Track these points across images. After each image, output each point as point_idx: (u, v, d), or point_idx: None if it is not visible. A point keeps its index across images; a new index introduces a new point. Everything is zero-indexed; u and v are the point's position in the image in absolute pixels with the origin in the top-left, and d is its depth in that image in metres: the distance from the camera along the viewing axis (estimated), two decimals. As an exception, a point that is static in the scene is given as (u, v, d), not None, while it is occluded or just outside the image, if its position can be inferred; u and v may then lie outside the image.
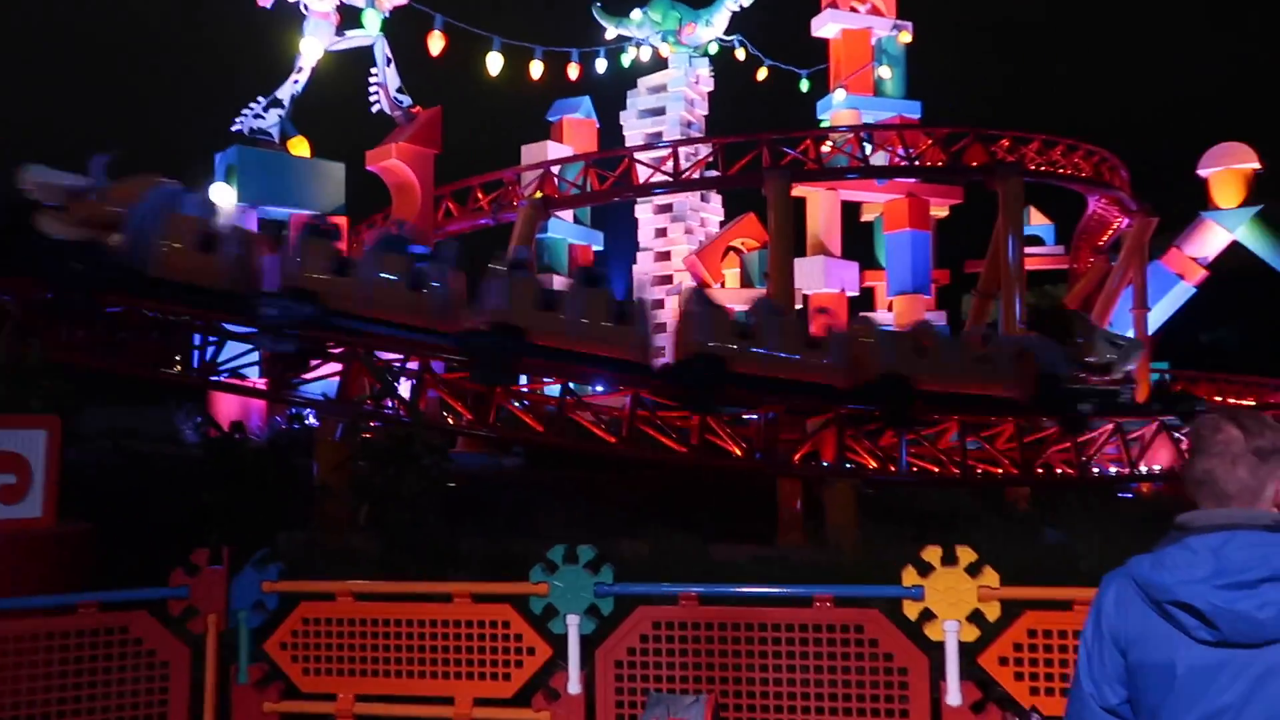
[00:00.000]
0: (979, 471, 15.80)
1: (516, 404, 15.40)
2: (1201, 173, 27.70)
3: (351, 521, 12.66)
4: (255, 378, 16.85)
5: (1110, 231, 30.49)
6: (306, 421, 16.22)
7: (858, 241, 30.92)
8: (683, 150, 22.58)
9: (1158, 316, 27.68)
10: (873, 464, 15.33)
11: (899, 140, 21.73)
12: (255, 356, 15.44)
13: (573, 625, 5.03)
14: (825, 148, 21.76)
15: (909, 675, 4.71)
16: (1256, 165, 27.09)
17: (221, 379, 14.82)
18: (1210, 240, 27.53)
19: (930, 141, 21.82)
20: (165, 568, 5.61)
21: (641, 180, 22.12)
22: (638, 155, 22.51)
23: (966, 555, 4.70)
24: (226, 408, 17.63)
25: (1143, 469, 16.44)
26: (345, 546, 11.95)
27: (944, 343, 16.17)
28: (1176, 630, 2.17)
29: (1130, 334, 27.70)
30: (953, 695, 4.64)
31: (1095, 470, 16.30)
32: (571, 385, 14.92)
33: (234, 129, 20.35)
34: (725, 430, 15.17)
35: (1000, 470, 15.84)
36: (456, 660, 5.15)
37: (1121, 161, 25.69)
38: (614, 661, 4.99)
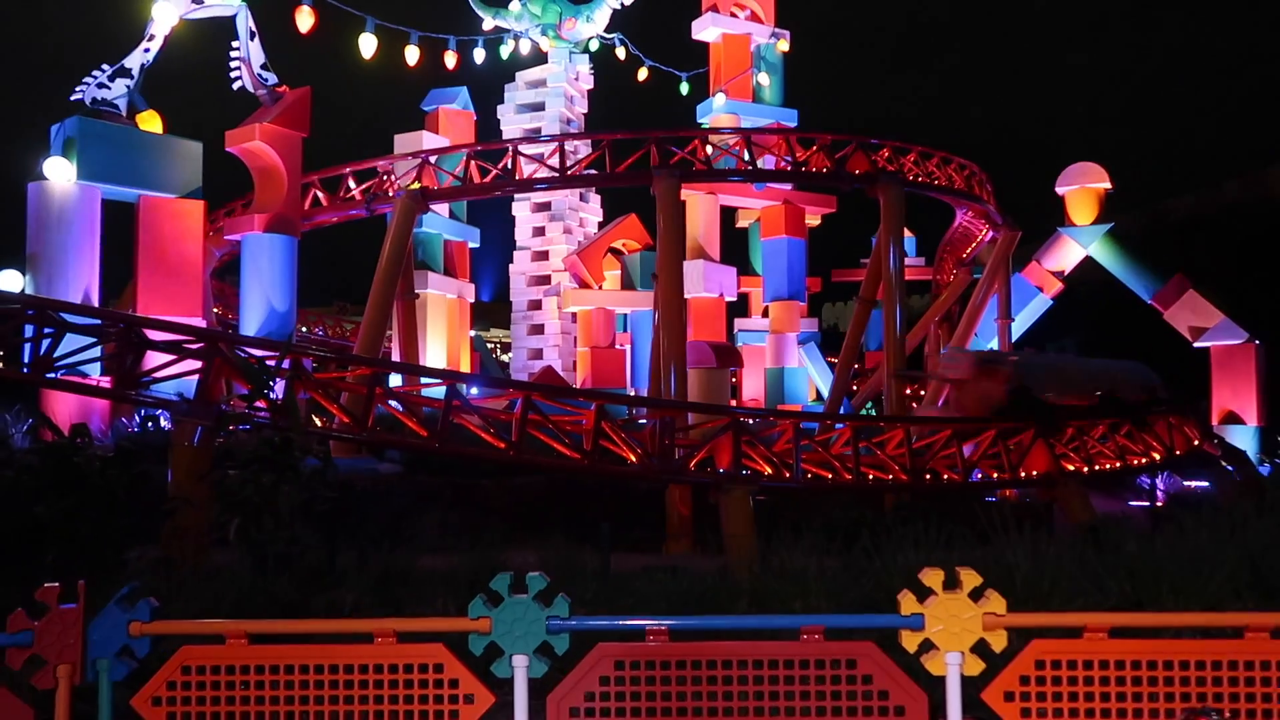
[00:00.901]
0: (870, 478, 15.76)
1: (396, 405, 14.34)
2: (1059, 190, 29.00)
3: (211, 536, 11.38)
4: (98, 375, 15.14)
5: (974, 245, 31.61)
6: (160, 425, 14.64)
7: (732, 248, 31.04)
8: (566, 146, 21.87)
9: (1019, 327, 28.84)
10: (768, 470, 15.04)
11: (785, 145, 21.70)
12: (98, 351, 13.82)
13: (520, 667, 4.30)
14: (710, 150, 21.48)
15: (906, 715, 4.20)
16: (1108, 185, 28.57)
17: (59, 376, 13.17)
18: (1067, 255, 28.86)
19: (815, 148, 21.87)
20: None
21: (525, 174, 21.25)
22: (522, 148, 21.63)
23: (971, 579, 4.23)
24: (64, 409, 15.78)
25: (1021, 474, 16.81)
26: (207, 565, 10.69)
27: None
28: None
29: (995, 344, 28.78)
30: (955, 736, 4.16)
31: (979, 476, 16.55)
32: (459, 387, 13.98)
33: (74, 98, 18.35)
34: (620, 436, 14.56)
35: (890, 476, 15.84)
36: (379, 714, 4.32)
37: (988, 176, 26.61)
38: (569, 709, 4.29)
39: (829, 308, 58.35)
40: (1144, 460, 18.72)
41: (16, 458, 10.43)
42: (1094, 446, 18.05)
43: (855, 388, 32.65)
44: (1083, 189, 28.52)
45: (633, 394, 23.99)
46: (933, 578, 4.25)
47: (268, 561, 8.98)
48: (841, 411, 23.70)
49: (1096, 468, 17.83)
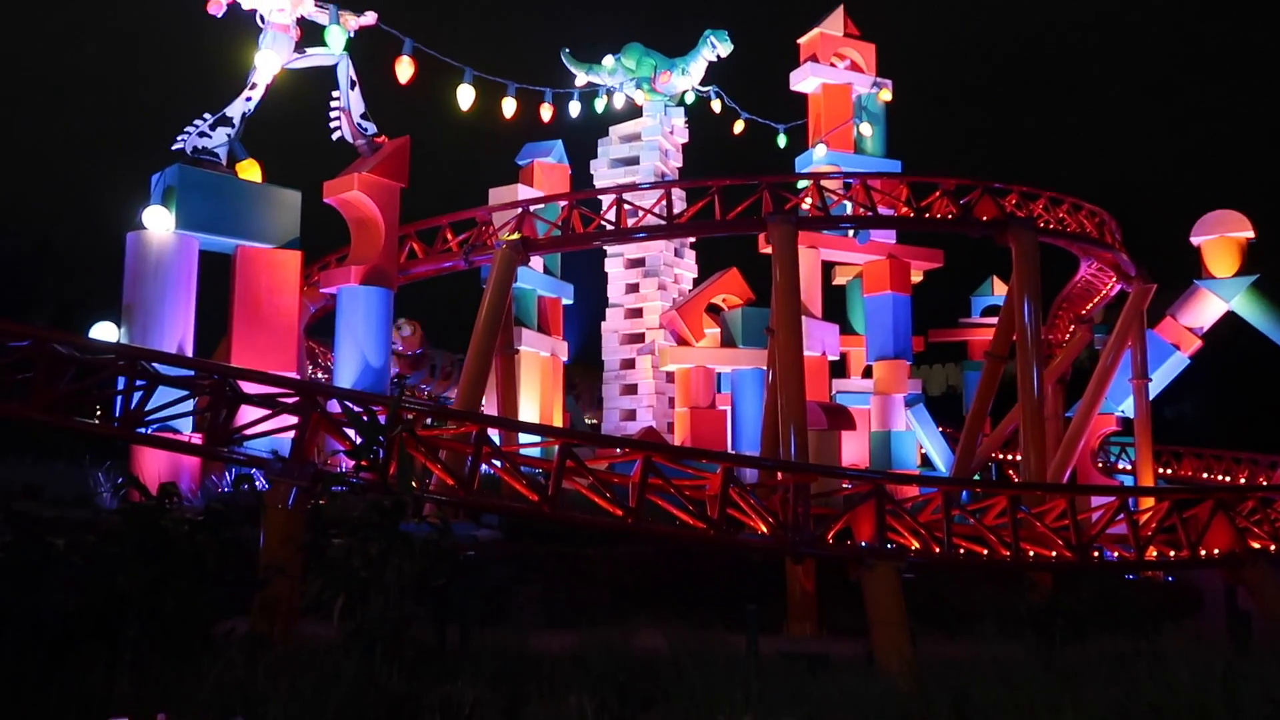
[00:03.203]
0: (1031, 554, 13.89)
1: (498, 464, 13.09)
2: (1195, 240, 26.89)
3: (306, 607, 10.18)
4: (189, 431, 14.27)
5: (1096, 300, 29.52)
6: (252, 485, 13.61)
7: (827, 305, 29.56)
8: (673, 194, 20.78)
9: (1155, 387, 26.53)
10: (915, 544, 13.32)
11: (906, 190, 20.26)
12: (190, 405, 12.92)
13: None
14: (829, 195, 20.14)
15: None
16: (1251, 234, 26.38)
17: (149, 431, 12.27)
18: (1206, 310, 26.61)
19: (938, 193, 20.37)
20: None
21: (630, 223, 20.18)
22: (626, 196, 20.60)
23: None
24: (154, 467, 14.91)
25: (1201, 553, 14.71)
26: (302, 642, 9.44)
27: None
28: None
29: (1129, 405, 26.51)
30: None
31: (1154, 553, 14.54)
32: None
33: (175, 147, 17.91)
34: (748, 502, 13.03)
35: (1053, 552, 13.95)
36: None
37: (1119, 224, 24.71)
38: None
39: (925, 369, 56.15)
40: (1336, 537, 16.41)
41: (101, 520, 9.40)
42: (1278, 520, 15.85)
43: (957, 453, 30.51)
44: (1222, 238, 26.37)
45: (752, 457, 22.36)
46: None
47: (375, 646, 7.65)
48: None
49: (1285, 545, 15.60)
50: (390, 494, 8.97)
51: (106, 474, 16.28)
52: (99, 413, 14.08)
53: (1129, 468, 32.15)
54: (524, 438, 18.84)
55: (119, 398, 12.19)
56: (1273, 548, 15.23)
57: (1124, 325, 25.08)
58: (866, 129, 29.02)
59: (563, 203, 21.29)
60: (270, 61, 18.87)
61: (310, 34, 19.73)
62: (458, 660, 8.83)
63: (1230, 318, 26.99)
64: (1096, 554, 14.27)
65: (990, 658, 8.65)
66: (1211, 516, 14.75)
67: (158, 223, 16.91)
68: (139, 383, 12.05)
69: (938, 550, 13.26)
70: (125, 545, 8.88)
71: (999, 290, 35.94)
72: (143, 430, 12.18)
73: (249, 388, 12.57)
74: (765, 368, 21.24)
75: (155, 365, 12.27)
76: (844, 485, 15.90)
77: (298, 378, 17.45)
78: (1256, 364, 36.58)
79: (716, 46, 30.47)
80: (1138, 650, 7.89)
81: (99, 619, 8.38)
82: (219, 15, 18.43)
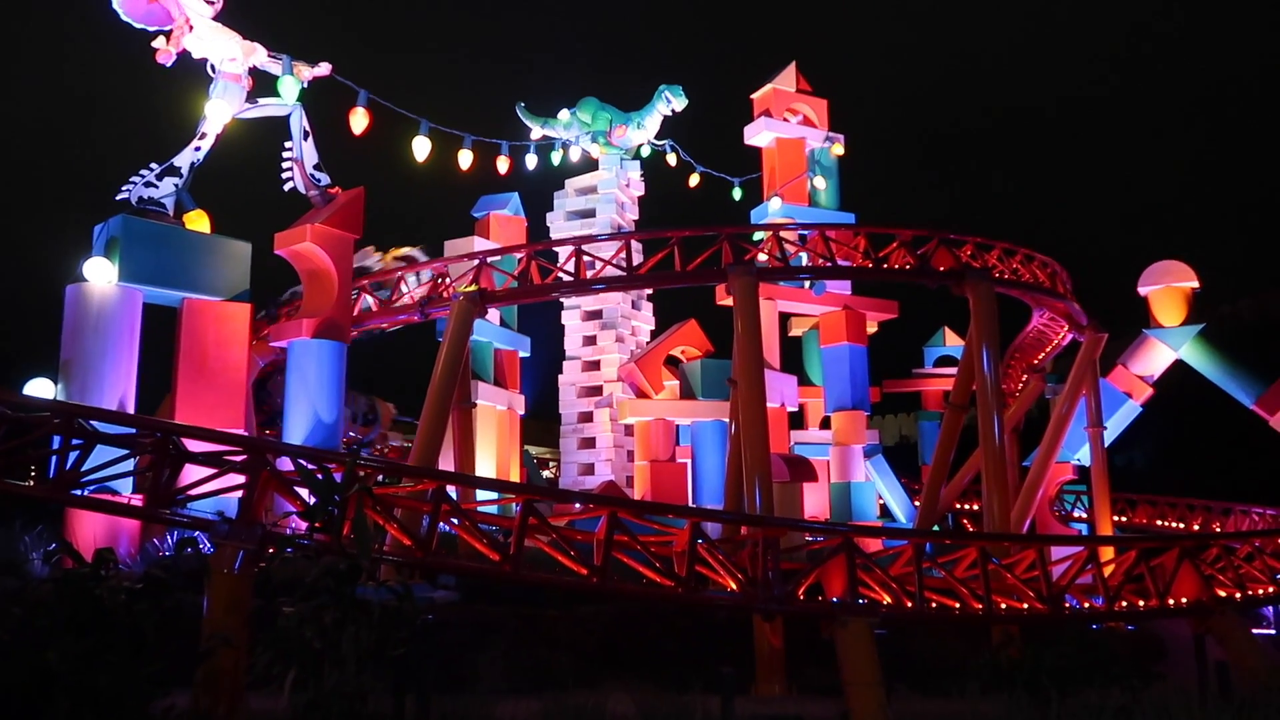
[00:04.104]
0: (1003, 607, 13.66)
1: (457, 523, 12.57)
2: (1142, 290, 27.44)
3: (254, 680, 9.53)
4: (129, 492, 13.56)
5: (1048, 349, 29.89)
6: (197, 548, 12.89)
7: (785, 357, 29.54)
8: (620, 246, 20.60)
9: (1109, 435, 26.79)
10: (886, 598, 13.02)
11: (865, 241, 20.34)
12: (130, 465, 12.27)
13: None
14: (788, 246, 20.14)
15: None
16: (1195, 284, 26.98)
17: (85, 493, 11.59)
18: (1155, 358, 27.06)
19: (895, 244, 20.49)
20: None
21: (590, 275, 19.95)
22: (585, 247, 20.40)
23: None
24: (91, 530, 14.11)
25: (1170, 602, 14.61)
26: (247, 717, 8.82)
27: None
28: None
29: (1085, 453, 26.67)
30: None
31: (1124, 603, 14.39)
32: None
33: (120, 197, 17.35)
34: (716, 558, 12.65)
35: (1025, 604, 13.74)
36: None
37: (1069, 275, 25.09)
38: None
39: (879, 420, 56.45)
40: (1300, 584, 16.45)
41: (30, 590, 8.72)
42: (1242, 567, 15.86)
43: (915, 504, 30.48)
44: (1168, 288, 26.93)
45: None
46: None
47: (328, 722, 7.10)
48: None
49: (1250, 593, 15.59)
50: (345, 557, 8.44)
51: (38, 539, 15.39)
52: (34, 473, 13.32)
53: (1084, 516, 32.39)
54: (482, 494, 18.30)
55: (54, 458, 11.52)
56: (1238, 596, 15.20)
57: (1078, 374, 25.35)
58: (820, 182, 29.38)
59: (520, 254, 21.03)
60: (221, 111, 18.48)
61: (263, 84, 19.42)
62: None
63: (1178, 366, 27.48)
64: (1068, 605, 14.09)
65: (976, 716, 8.34)
66: (1178, 565, 14.69)
67: (99, 274, 16.29)
68: (75, 441, 11.41)
69: (910, 604, 12.97)
70: (55, 617, 8.23)
71: (951, 340, 36.35)
72: (78, 492, 11.50)
73: (194, 445, 11.96)
74: (727, 419, 21.00)
75: (93, 423, 11.64)
76: (806, 539, 15.62)
77: (246, 434, 16.79)
78: (1202, 411, 37.32)
79: (671, 101, 30.73)
80: (1130, 705, 7.62)
81: (25, 698, 7.71)
82: (168, 65, 18.05)
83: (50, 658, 7.81)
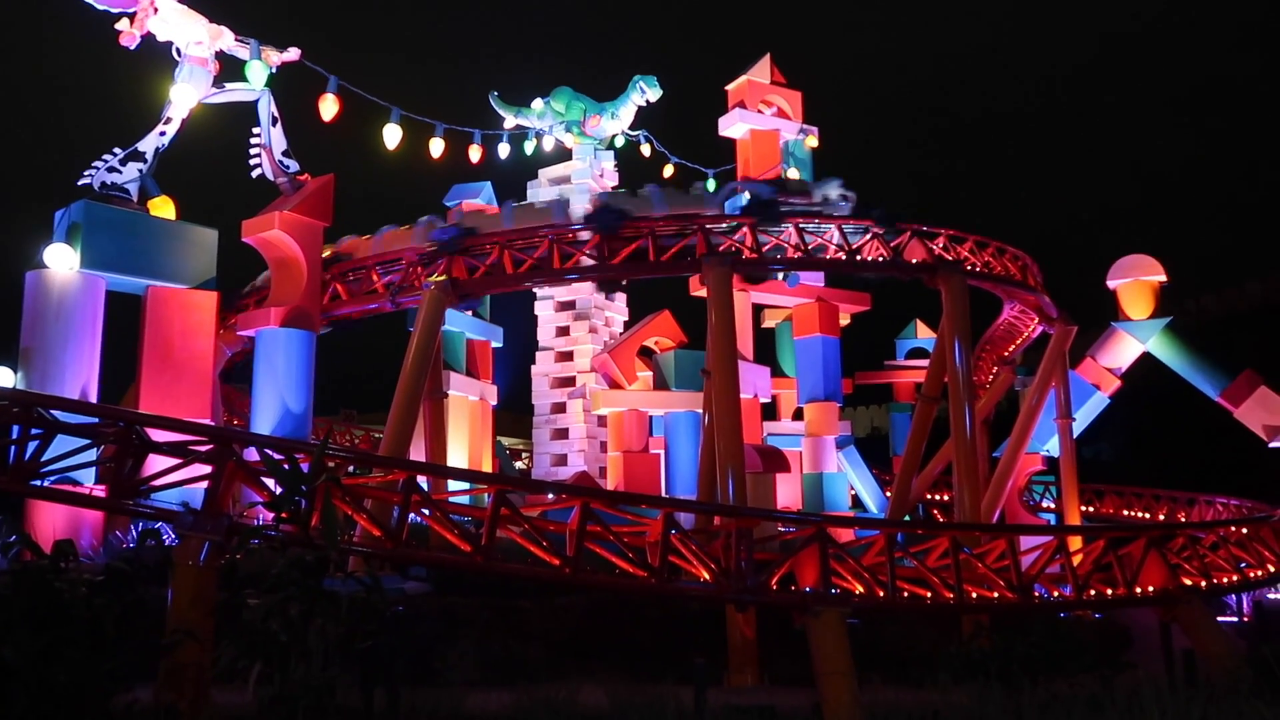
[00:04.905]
0: (974, 595, 13.72)
1: (429, 513, 12.43)
2: (1110, 284, 27.68)
3: (219, 674, 9.36)
4: (91, 483, 13.28)
5: (1018, 341, 30.09)
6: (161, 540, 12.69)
7: (758, 348, 29.58)
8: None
9: (1077, 427, 27.04)
10: (859, 588, 13.03)
11: (839, 233, 20.33)
12: (92, 455, 12.00)
13: None
14: (763, 237, 20.09)
15: None
16: (1163, 277, 27.27)
17: (44, 484, 11.32)
18: (1123, 351, 27.33)
19: (868, 236, 20.50)
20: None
21: (563, 264, 19.81)
22: (559, 237, 20.23)
23: None
24: (52, 522, 13.82)
25: (1137, 591, 14.74)
26: (216, 716, 8.65)
27: None
28: None
29: (1054, 444, 26.92)
30: None
31: (1092, 592, 14.50)
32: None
33: (82, 182, 17.00)
34: (690, 549, 12.59)
35: (995, 593, 13.81)
36: None
37: (1040, 268, 25.27)
38: None
39: (850, 411, 56.74)
40: (1261, 573, 16.68)
41: (-14, 582, 8.49)
42: (1208, 556, 16.04)
43: (887, 494, 30.65)
44: (1136, 282, 27.19)
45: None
46: None
47: (296, 717, 6.97)
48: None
49: (1215, 581, 15.78)
50: (313, 548, 8.29)
51: (-3, 531, 15.06)
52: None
53: (1053, 506, 32.72)
54: (454, 485, 18.14)
55: (11, 448, 11.24)
56: (1204, 584, 15.37)
57: (1048, 366, 25.56)
58: (794, 174, 29.31)
59: (492, 243, 20.81)
60: (187, 96, 18.14)
61: (231, 69, 19.09)
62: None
63: (1145, 358, 27.78)
64: (1037, 594, 14.17)
65: (947, 706, 8.36)
66: (1145, 554, 14.82)
67: (60, 261, 15.94)
68: (35, 431, 11.14)
69: (882, 594, 12.97)
70: (13, 611, 8.03)
71: (923, 333, 36.53)
72: (38, 483, 11.23)
73: (158, 435, 11.74)
74: (700, 410, 20.95)
75: (53, 412, 11.38)
76: (779, 529, 15.62)
77: (212, 424, 16.53)
78: (1169, 402, 37.80)
79: (646, 92, 30.50)
80: (1102, 694, 7.66)
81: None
82: (133, 48, 17.68)
83: (6, 653, 7.62)
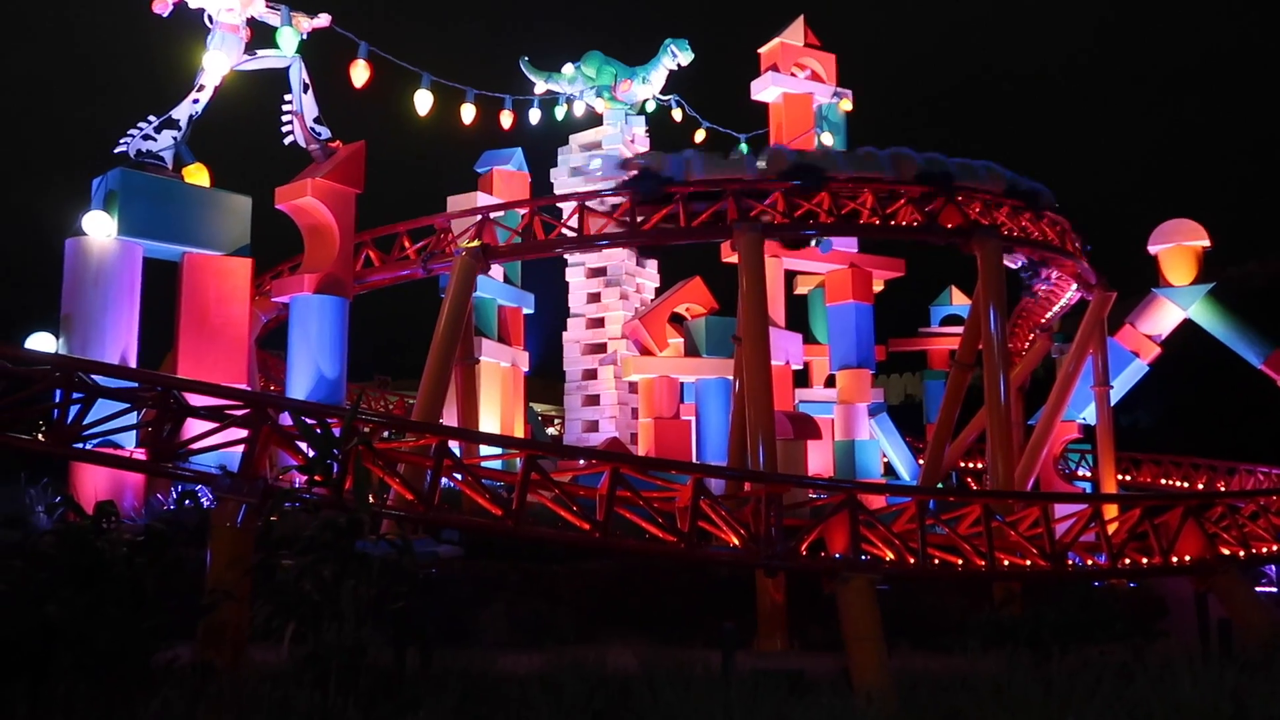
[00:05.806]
0: (1005, 563, 13.65)
1: (460, 478, 12.57)
2: (1152, 249, 27.12)
3: (255, 633, 9.57)
4: (132, 447, 13.54)
5: (1056, 309, 29.62)
6: (199, 502, 12.93)
7: (790, 315, 29.39)
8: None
9: (1115, 395, 26.66)
10: (889, 555, 13.01)
11: (872, 198, 20.04)
12: (133, 419, 12.23)
13: None
14: (794, 203, 19.85)
15: None
16: (1206, 243, 26.66)
17: (85, 447, 11.57)
18: (1164, 317, 26.83)
19: (903, 200, 20.19)
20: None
21: (594, 230, 19.75)
22: (589, 203, 20.17)
23: None
24: (95, 484, 14.13)
25: (1174, 560, 14.57)
26: (249, 670, 8.84)
27: None
28: None
29: (1091, 412, 26.57)
30: None
31: (1127, 561, 14.36)
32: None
33: (118, 150, 17.16)
34: (720, 514, 12.63)
35: (1028, 561, 13.72)
36: None
37: (1079, 234, 24.78)
38: None
39: (884, 379, 56.37)
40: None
41: (30, 543, 8.72)
42: (1246, 526, 15.82)
43: (920, 462, 30.47)
44: (1178, 247, 26.61)
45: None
46: None
47: (329, 676, 7.11)
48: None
49: (1253, 551, 15.56)
50: (345, 511, 8.42)
51: (42, 493, 15.43)
52: (43, 426, 13.31)
53: (1088, 474, 32.38)
54: (486, 450, 18.30)
55: (54, 411, 11.48)
56: (1242, 554, 15.17)
57: (1085, 333, 25.16)
58: (827, 138, 28.92)
59: (523, 210, 20.80)
60: (219, 63, 18.20)
61: (262, 35, 19.11)
62: (418, 687, 8.29)
63: (1186, 325, 27.26)
64: (1071, 562, 14.07)
65: (976, 673, 8.34)
66: (1182, 523, 14.63)
67: (98, 228, 16.16)
68: (76, 395, 11.37)
69: (913, 561, 12.95)
70: (57, 570, 8.24)
71: (958, 300, 36.09)
72: (80, 446, 11.48)
73: (195, 400, 11.93)
74: (731, 377, 20.91)
75: (94, 377, 11.59)
76: (811, 495, 15.60)
77: (247, 389, 16.77)
78: (1209, 370, 37.12)
79: (677, 55, 30.20)
80: (1133, 663, 7.60)
81: (26, 651, 7.73)
82: (165, 15, 17.76)
83: (50, 610, 7.83)
